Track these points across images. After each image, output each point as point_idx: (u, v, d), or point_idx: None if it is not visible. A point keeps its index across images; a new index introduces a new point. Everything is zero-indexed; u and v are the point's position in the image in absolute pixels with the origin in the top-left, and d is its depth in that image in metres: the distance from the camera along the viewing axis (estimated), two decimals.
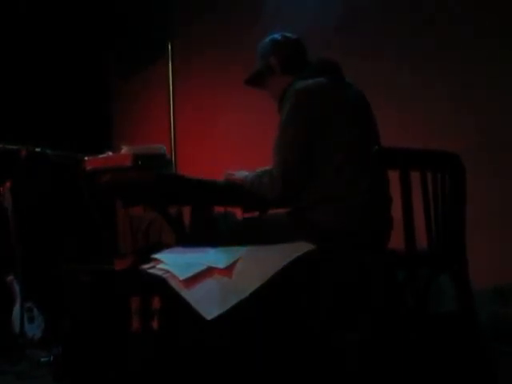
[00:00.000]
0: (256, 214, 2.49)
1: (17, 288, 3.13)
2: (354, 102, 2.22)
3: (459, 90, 3.11)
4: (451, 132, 3.08)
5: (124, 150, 2.21)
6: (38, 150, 2.96)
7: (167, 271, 1.97)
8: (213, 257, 1.98)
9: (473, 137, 3.01)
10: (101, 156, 2.26)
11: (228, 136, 4.31)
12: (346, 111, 2.14)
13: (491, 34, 3.00)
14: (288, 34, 2.37)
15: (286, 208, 2.25)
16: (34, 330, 3.08)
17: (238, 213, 2.58)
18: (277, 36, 2.36)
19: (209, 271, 1.93)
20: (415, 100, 3.28)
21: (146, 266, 2.06)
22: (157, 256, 2.08)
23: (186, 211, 2.64)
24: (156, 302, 2.32)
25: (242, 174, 2.34)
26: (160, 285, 1.97)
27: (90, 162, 2.25)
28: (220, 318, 1.80)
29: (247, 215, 2.47)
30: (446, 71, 3.17)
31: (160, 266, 2.02)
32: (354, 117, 2.17)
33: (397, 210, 1.92)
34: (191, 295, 1.88)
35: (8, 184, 3.02)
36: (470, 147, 2.86)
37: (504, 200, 2.93)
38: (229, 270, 1.90)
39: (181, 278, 1.91)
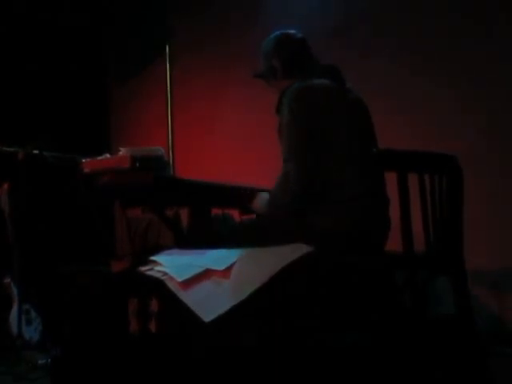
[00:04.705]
0: (254, 215, 2.48)
1: (14, 290, 3.12)
2: (354, 105, 2.21)
3: (459, 90, 3.10)
4: (451, 132, 3.08)
5: (122, 151, 2.21)
6: (35, 152, 2.95)
7: (165, 273, 1.96)
8: (211, 259, 1.98)
9: (473, 137, 3.01)
10: (99, 158, 2.26)
11: (228, 136, 4.31)
12: (346, 113, 2.13)
13: (492, 34, 3.00)
14: (292, 33, 2.32)
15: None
16: (32, 333, 3.07)
17: (236, 214, 2.58)
18: (281, 35, 2.32)
19: (207, 273, 1.92)
20: (415, 100, 3.27)
21: (143, 268, 2.05)
22: (155, 258, 2.07)
23: (184, 213, 2.63)
24: (154, 304, 2.31)
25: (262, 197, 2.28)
26: (158, 287, 1.96)
27: (88, 164, 2.25)
28: (218, 320, 1.79)
29: (245, 217, 2.47)
30: (446, 71, 3.16)
31: (158, 267, 2.01)
32: (354, 119, 2.16)
33: (395, 212, 1.91)
34: (189, 297, 1.88)
35: (5, 186, 3.01)
36: (470, 147, 2.86)
37: (504, 200, 2.93)
38: (227, 272, 1.90)
39: (179, 280, 1.91)
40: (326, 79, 2.17)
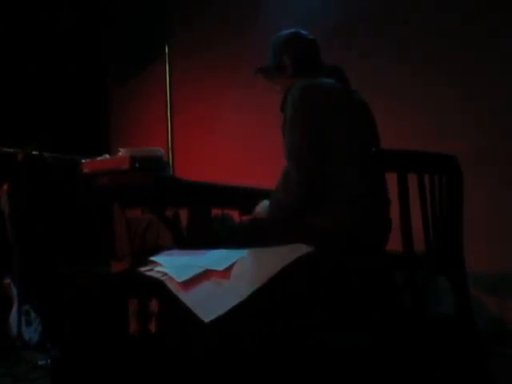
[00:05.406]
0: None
1: (14, 291, 3.12)
2: (356, 106, 2.21)
3: (459, 90, 3.10)
4: (451, 132, 3.08)
5: (121, 152, 2.21)
6: (35, 152, 2.95)
7: (165, 273, 1.96)
8: (211, 259, 1.97)
9: (473, 137, 3.00)
10: (98, 158, 2.26)
11: (228, 136, 4.31)
12: (346, 113, 2.13)
13: (491, 34, 3.00)
14: (304, 33, 2.32)
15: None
16: (32, 333, 3.07)
17: (236, 215, 2.57)
18: (292, 33, 2.32)
19: (207, 273, 1.92)
20: (415, 100, 3.27)
21: (143, 269, 2.05)
22: (154, 258, 2.07)
23: (184, 213, 2.63)
24: (154, 304, 2.31)
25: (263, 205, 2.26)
26: (158, 287, 1.96)
27: (88, 164, 2.25)
28: (218, 320, 1.79)
29: (245, 217, 2.46)
30: (446, 71, 3.16)
31: (158, 268, 2.01)
32: (354, 119, 2.16)
33: (395, 212, 1.91)
34: (189, 297, 1.88)
35: (5, 187, 3.01)
36: (470, 147, 2.86)
37: (504, 200, 2.92)
38: (227, 272, 1.89)
39: (179, 281, 1.90)
40: (331, 78, 2.17)
